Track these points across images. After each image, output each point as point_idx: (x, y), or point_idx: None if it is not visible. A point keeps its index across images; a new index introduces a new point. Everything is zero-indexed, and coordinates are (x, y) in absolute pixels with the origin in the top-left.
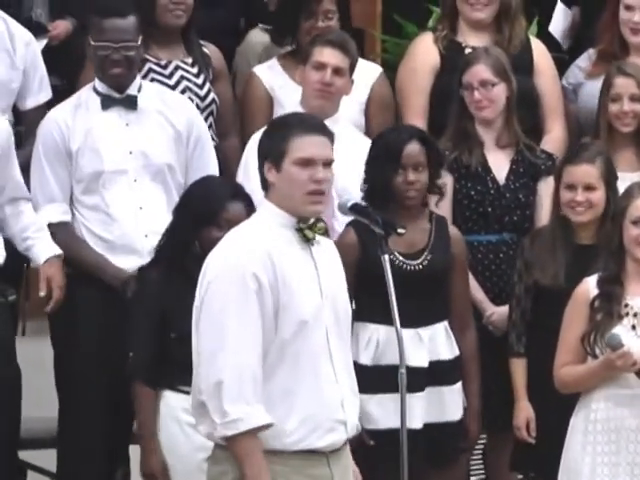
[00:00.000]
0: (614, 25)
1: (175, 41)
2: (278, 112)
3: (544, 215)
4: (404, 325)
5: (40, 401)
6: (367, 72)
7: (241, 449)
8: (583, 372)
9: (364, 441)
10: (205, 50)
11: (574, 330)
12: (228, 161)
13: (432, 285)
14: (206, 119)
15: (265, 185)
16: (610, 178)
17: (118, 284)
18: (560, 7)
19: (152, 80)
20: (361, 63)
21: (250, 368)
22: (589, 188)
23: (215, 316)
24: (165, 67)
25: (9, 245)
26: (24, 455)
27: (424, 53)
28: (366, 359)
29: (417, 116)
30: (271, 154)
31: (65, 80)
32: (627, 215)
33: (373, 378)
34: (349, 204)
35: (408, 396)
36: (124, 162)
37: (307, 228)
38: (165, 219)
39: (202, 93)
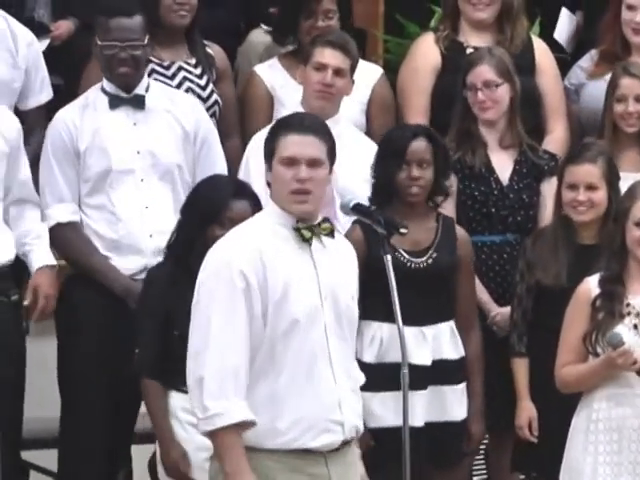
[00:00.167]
0: (616, 25)
1: (178, 41)
2: (279, 111)
3: (547, 215)
4: (408, 323)
5: (42, 401)
6: (368, 73)
7: (221, 445)
8: (584, 371)
9: (367, 441)
10: (209, 50)
11: (575, 330)
12: (230, 161)
13: (437, 283)
14: None
15: (268, 184)
16: (612, 178)
17: (123, 293)
18: (565, 13)
19: (154, 81)
20: (362, 64)
21: (232, 365)
22: (591, 188)
23: (203, 314)
24: (168, 68)
25: None
26: (26, 455)
27: (425, 53)
28: (370, 357)
29: (419, 116)
30: (266, 154)
31: (66, 80)
32: (630, 216)
33: (376, 376)
34: (351, 204)
35: (410, 394)
36: (131, 162)
37: (305, 228)
38: (171, 219)
39: (205, 94)
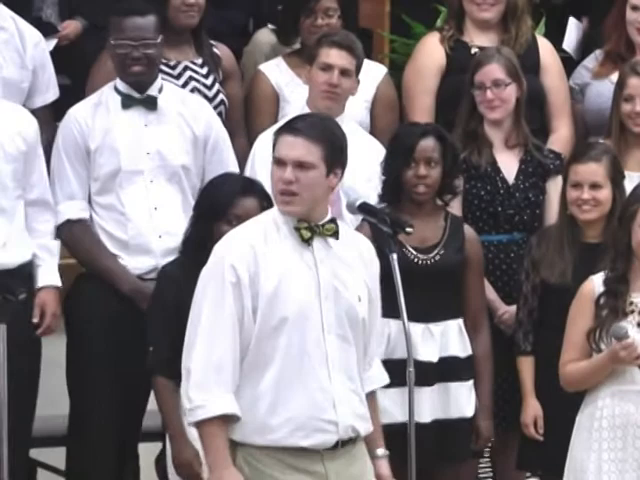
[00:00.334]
0: (621, 25)
1: (185, 41)
2: (284, 109)
3: (553, 214)
4: (415, 319)
5: (50, 399)
6: (372, 72)
7: (204, 436)
8: (588, 367)
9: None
10: (216, 50)
11: (579, 327)
12: (236, 161)
13: (444, 281)
14: None
15: None
16: (616, 176)
17: (131, 293)
18: (572, 22)
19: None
20: (366, 63)
21: (217, 358)
22: (595, 186)
23: (196, 308)
24: (174, 67)
25: None
26: (34, 453)
27: (430, 53)
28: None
29: (423, 116)
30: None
31: (74, 80)
32: (637, 218)
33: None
34: (357, 203)
35: (416, 390)
36: (141, 162)
37: (305, 228)
38: (180, 220)
39: (210, 94)
